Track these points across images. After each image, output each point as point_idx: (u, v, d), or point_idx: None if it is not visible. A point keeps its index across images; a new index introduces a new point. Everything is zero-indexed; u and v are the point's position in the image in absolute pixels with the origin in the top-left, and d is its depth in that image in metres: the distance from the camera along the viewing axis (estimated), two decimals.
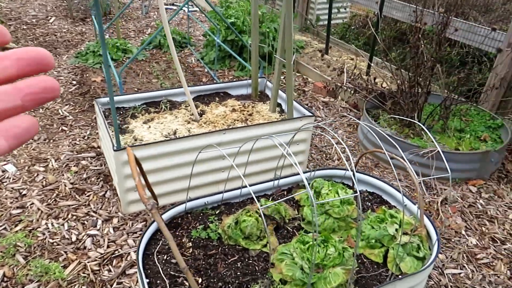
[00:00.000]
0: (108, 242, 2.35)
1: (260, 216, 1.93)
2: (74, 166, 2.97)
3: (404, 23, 5.44)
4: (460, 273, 2.33)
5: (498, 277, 2.32)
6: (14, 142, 0.35)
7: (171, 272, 1.69)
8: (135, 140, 2.70)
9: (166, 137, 2.77)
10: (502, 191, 3.05)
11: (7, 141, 0.35)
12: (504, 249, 2.52)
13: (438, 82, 3.74)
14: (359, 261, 1.85)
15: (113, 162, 2.49)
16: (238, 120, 3.04)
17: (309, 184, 2.31)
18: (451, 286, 2.25)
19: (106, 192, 2.73)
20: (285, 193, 2.26)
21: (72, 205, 2.60)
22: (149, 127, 2.87)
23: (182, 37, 5.69)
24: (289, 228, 2.00)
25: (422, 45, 3.28)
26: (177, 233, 1.90)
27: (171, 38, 2.67)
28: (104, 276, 2.15)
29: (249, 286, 1.67)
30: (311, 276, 1.49)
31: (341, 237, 1.98)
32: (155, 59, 5.17)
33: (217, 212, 2.05)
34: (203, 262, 1.76)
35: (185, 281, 1.66)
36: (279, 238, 1.93)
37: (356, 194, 1.42)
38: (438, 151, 2.90)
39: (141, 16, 6.92)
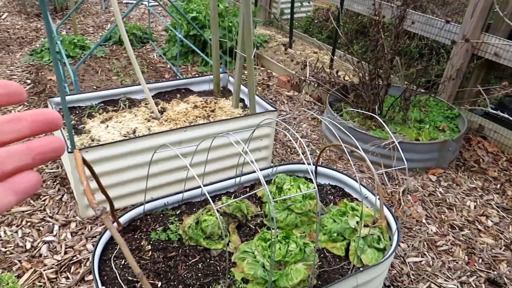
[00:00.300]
0: (66, 248, 2.25)
1: (220, 215, 1.89)
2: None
3: (365, 16, 5.51)
4: (421, 261, 2.38)
5: (457, 262, 2.39)
6: (21, 197, 0.39)
7: (129, 278, 1.63)
8: (92, 140, 2.60)
9: (125, 136, 2.68)
10: (460, 179, 3.15)
11: (16, 196, 0.38)
12: (462, 235, 2.60)
13: (398, 74, 3.81)
14: (322, 255, 1.85)
15: (68, 164, 2.38)
16: (200, 117, 2.99)
17: (271, 180, 2.30)
18: (412, 274, 2.30)
19: (63, 195, 2.62)
20: (248, 190, 2.23)
21: (27, 211, 2.47)
22: (107, 126, 2.77)
23: (143, 33, 5.54)
24: (251, 226, 1.97)
25: (382, 38, 3.32)
26: (136, 236, 1.84)
27: (125, 34, 2.58)
28: (62, 284, 2.06)
29: (210, 287, 1.64)
30: (271, 273, 1.48)
31: (304, 232, 1.98)
32: (115, 56, 5.01)
33: (177, 213, 2.00)
34: (163, 265, 1.71)
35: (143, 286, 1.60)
36: (242, 236, 1.90)
37: (314, 190, 1.41)
38: (400, 141, 2.96)
39: (101, 11, 6.69)
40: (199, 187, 2.07)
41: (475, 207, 2.85)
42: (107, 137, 2.65)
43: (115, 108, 3.01)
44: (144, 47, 5.38)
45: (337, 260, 1.84)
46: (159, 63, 4.95)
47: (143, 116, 2.93)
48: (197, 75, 4.32)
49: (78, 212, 2.47)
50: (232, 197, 2.13)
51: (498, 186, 3.10)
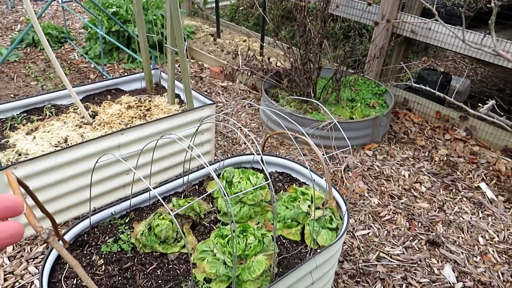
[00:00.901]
0: (5, 275, 2.06)
1: (173, 217, 1.84)
2: None
3: (289, 1, 5.59)
4: (368, 233, 2.52)
5: (400, 229, 2.56)
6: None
7: None
8: (19, 155, 2.39)
9: (56, 146, 2.50)
10: (393, 150, 3.36)
11: None
12: (401, 203, 2.78)
13: (327, 57, 3.94)
14: (279, 242, 1.88)
15: None
16: (136, 117, 2.87)
17: (219, 174, 2.28)
18: (362, 246, 2.42)
19: None
20: (197, 187, 2.19)
21: None
22: (34, 138, 2.56)
23: (59, 32, 5.16)
24: (205, 224, 1.95)
25: (309, 23, 3.40)
26: (85, 252, 1.73)
27: (43, 34, 2.37)
28: None
29: None
30: (235, 269, 1.47)
31: (259, 222, 1.99)
32: (31, 59, 4.63)
33: (126, 221, 1.92)
34: (120, 278, 1.63)
35: None
36: (197, 235, 1.87)
37: (268, 182, 1.41)
38: (335, 122, 3.07)
39: (7, 11, 6.12)
40: (147, 191, 1.99)
41: (409, 176, 3.06)
42: (36, 149, 2.45)
43: (40, 117, 2.79)
44: (63, 47, 5.02)
45: (294, 245, 1.88)
46: (81, 64, 4.65)
47: (74, 123, 2.74)
48: (126, 74, 4.13)
49: None
50: (182, 197, 2.09)
51: (426, 153, 3.35)
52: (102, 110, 2.92)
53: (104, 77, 4.32)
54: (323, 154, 3.12)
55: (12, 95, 3.80)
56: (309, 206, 1.96)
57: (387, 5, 3.79)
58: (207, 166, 1.52)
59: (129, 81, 3.30)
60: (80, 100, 2.95)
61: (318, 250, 1.77)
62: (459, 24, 3.53)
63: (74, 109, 2.90)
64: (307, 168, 2.20)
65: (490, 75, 5.27)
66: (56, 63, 2.45)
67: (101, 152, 2.43)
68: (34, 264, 2.14)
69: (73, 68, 4.50)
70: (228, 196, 1.38)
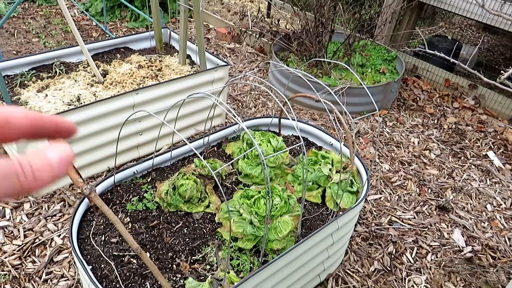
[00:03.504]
0: (25, 231, 2.08)
1: (196, 177, 1.85)
2: None
3: None
4: (380, 198, 2.56)
5: (410, 195, 2.61)
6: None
7: (114, 253, 1.56)
8: None
9: (69, 104, 2.46)
10: (402, 117, 3.36)
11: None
12: (411, 169, 2.82)
13: (339, 20, 3.86)
14: (300, 204, 1.90)
15: None
16: (147, 77, 2.81)
17: (239, 136, 2.27)
18: (374, 210, 2.47)
19: None
20: (215, 148, 2.19)
21: None
22: (46, 95, 2.51)
23: None
24: (227, 185, 1.96)
25: None
26: (111, 210, 1.74)
27: None
28: (29, 269, 1.92)
29: (200, 250, 1.63)
30: (266, 228, 1.50)
31: (279, 184, 2.01)
32: (30, 15, 4.46)
33: (149, 180, 1.92)
34: (147, 235, 1.65)
35: (132, 259, 1.55)
36: (220, 196, 1.89)
37: (301, 143, 1.41)
38: (349, 87, 3.05)
39: None
40: (169, 151, 1.98)
41: (418, 143, 3.09)
42: (49, 107, 2.41)
43: (50, 74, 2.72)
44: None
45: (315, 207, 1.91)
46: (82, 21, 4.51)
47: (85, 81, 2.69)
48: (134, 32, 4.02)
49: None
50: (202, 158, 2.08)
51: (435, 121, 3.37)
52: (113, 69, 2.85)
53: (107, 35, 4.20)
54: (338, 119, 3.14)
55: (14, 52, 3.69)
56: (330, 170, 1.98)
57: None
58: (240, 122, 1.51)
59: (138, 40, 3.21)
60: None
61: (341, 213, 1.80)
62: None
63: (84, 67, 2.84)
64: (330, 135, 2.20)
65: (497, 44, 5.23)
66: (70, 18, 2.37)
67: (116, 112, 2.40)
68: (53, 221, 2.15)
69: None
70: (264, 157, 1.37)
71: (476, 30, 5.59)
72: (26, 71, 2.70)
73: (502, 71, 2.62)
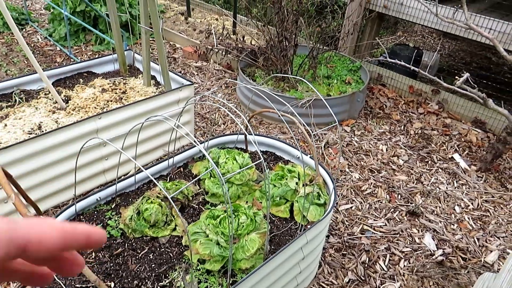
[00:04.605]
0: None
1: (161, 200, 1.82)
2: None
3: None
4: (351, 207, 2.58)
5: (381, 202, 2.64)
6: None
7: (77, 285, 1.51)
8: None
9: (30, 133, 2.39)
10: (370, 126, 3.42)
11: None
12: (381, 177, 2.86)
13: (302, 34, 3.92)
14: (268, 220, 1.89)
15: None
16: (111, 101, 2.77)
17: (204, 155, 2.25)
18: (346, 220, 2.48)
19: None
20: (182, 169, 2.16)
21: None
22: (5, 125, 2.43)
23: (19, 13, 4.88)
24: (194, 205, 1.93)
25: (284, 0, 3.35)
26: None
27: (9, 15, 2.23)
28: None
29: (167, 275, 1.59)
30: (231, 248, 1.47)
31: (247, 201, 2.00)
32: None
33: (113, 206, 1.87)
34: (111, 264, 1.60)
35: None
36: (187, 217, 1.86)
37: (260, 160, 1.41)
38: (315, 99, 3.09)
39: None
40: (132, 175, 1.95)
41: (387, 150, 3.14)
42: (8, 137, 2.34)
43: (9, 103, 2.65)
44: (24, 30, 4.76)
45: (284, 222, 1.90)
46: (46, 46, 4.44)
47: (46, 108, 2.63)
48: (97, 56, 3.98)
49: None
50: (168, 180, 2.06)
51: (402, 127, 3.44)
52: (75, 94, 2.81)
53: (72, 60, 4.15)
54: (307, 132, 3.16)
55: None
56: (296, 183, 1.98)
57: None
58: (197, 144, 1.50)
59: (101, 63, 3.18)
60: (51, 84, 2.82)
61: (308, 226, 1.79)
62: None
63: (45, 94, 2.78)
64: (296, 148, 2.21)
65: (457, 49, 5.42)
66: (25, 45, 2.32)
67: (79, 138, 2.35)
68: None
69: (38, 52, 4.29)
70: (223, 178, 1.36)
71: (437, 36, 5.78)
72: None
73: (456, 77, 2.71)
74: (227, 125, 3.32)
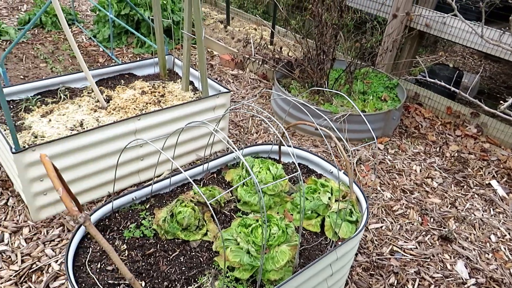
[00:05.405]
0: (22, 256, 2.06)
1: (195, 204, 1.84)
2: None
3: None
4: (381, 227, 2.53)
5: (412, 224, 2.58)
6: None
7: (109, 281, 1.54)
8: (35, 137, 2.37)
9: (72, 130, 2.48)
10: (404, 145, 3.36)
11: None
12: (413, 198, 2.79)
13: (341, 48, 3.92)
14: (300, 234, 1.88)
15: (13, 166, 2.16)
16: (150, 103, 2.85)
17: (238, 163, 2.27)
18: (375, 239, 2.44)
19: (8, 199, 2.38)
20: (215, 175, 2.19)
21: None
22: (50, 120, 2.54)
23: (66, 13, 5.10)
24: (226, 212, 1.95)
25: (325, 14, 3.36)
26: (108, 236, 1.73)
27: (63, 16, 2.34)
28: None
29: (196, 279, 1.60)
30: (262, 258, 1.48)
31: (278, 212, 2.00)
32: (39, 40, 4.57)
33: (147, 207, 1.91)
34: (143, 263, 1.63)
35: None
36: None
37: (298, 173, 1.41)
38: (350, 114, 3.07)
39: None
40: (168, 177, 1.99)
41: (420, 171, 3.07)
42: (52, 132, 2.43)
43: (54, 99, 2.76)
44: (70, 30, 4.95)
45: (314, 236, 1.89)
46: (90, 47, 4.60)
47: (88, 106, 2.72)
48: (139, 59, 4.09)
49: (29, 216, 2.27)
50: (202, 185, 2.08)
51: (437, 149, 3.36)
52: (116, 94, 2.90)
53: (113, 61, 4.28)
54: (344, 148, 3.15)
55: (22, 77, 3.76)
56: (329, 198, 1.96)
57: None
58: (236, 150, 1.51)
59: (142, 66, 3.27)
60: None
61: (339, 243, 1.77)
62: (472, 19, 3.51)
63: (88, 92, 2.88)
64: (333, 165, 2.20)
65: (499, 72, 5.26)
66: (75, 46, 2.43)
67: (118, 137, 2.42)
68: (51, 246, 2.14)
69: (82, 51, 4.45)
70: (260, 187, 1.37)
71: (478, 58, 5.64)
72: (31, 96, 2.74)
73: (501, 101, 2.63)
74: (259, 134, 3.34)
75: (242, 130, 3.38)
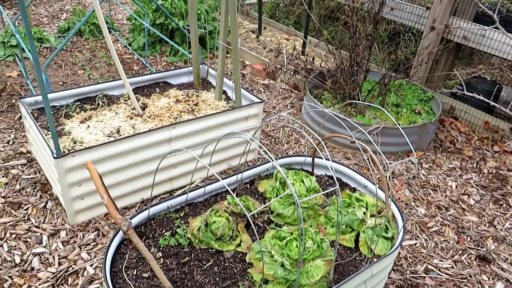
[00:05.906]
0: (59, 259, 2.12)
1: (229, 214, 1.85)
2: (2, 176, 2.63)
3: (332, 0, 5.53)
4: (415, 244, 2.47)
5: (448, 242, 2.50)
6: None
7: None
8: (74, 142, 2.44)
9: (109, 136, 2.54)
10: (439, 160, 3.27)
11: None
12: (449, 215, 2.71)
13: (374, 60, 3.87)
14: (332, 248, 1.86)
15: (53, 170, 2.23)
16: (184, 112, 2.89)
17: (271, 174, 2.27)
18: (409, 257, 2.38)
19: (46, 203, 2.46)
20: (248, 186, 2.19)
21: (9, 222, 2.30)
22: (88, 126, 2.61)
23: None
24: (259, 223, 1.95)
25: (359, 25, 3.34)
26: (144, 243, 1.76)
27: (105, 25, 2.41)
28: None
29: None
30: (298, 272, 1.47)
31: (311, 225, 1.98)
32: (77, 48, 4.73)
33: (181, 215, 1.94)
34: (178, 272, 1.65)
35: None
36: (251, 235, 1.87)
37: (336, 188, 1.40)
38: (383, 127, 3.02)
39: None
40: (202, 187, 2.00)
41: (456, 187, 2.98)
42: (90, 138, 2.50)
43: (93, 106, 2.85)
44: None
45: (348, 251, 1.86)
46: (125, 55, 4.73)
47: (125, 114, 2.79)
48: (173, 67, 4.18)
49: (67, 220, 2.33)
50: (235, 195, 2.09)
51: (474, 165, 3.26)
52: (152, 102, 2.96)
53: (148, 69, 4.38)
54: (372, 160, 3.10)
55: (61, 83, 3.90)
56: (364, 213, 1.93)
57: (440, 9, 3.69)
58: (273, 160, 1.51)
59: (177, 75, 3.33)
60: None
61: (376, 260, 1.74)
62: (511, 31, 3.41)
63: (125, 100, 2.95)
64: (371, 181, 2.17)
65: None
66: (115, 54, 2.50)
67: (153, 145, 2.47)
68: (86, 250, 2.19)
69: None
70: (299, 200, 1.35)
71: None
72: (71, 103, 2.83)
73: None
74: (290, 145, 3.33)
75: (273, 140, 3.38)
